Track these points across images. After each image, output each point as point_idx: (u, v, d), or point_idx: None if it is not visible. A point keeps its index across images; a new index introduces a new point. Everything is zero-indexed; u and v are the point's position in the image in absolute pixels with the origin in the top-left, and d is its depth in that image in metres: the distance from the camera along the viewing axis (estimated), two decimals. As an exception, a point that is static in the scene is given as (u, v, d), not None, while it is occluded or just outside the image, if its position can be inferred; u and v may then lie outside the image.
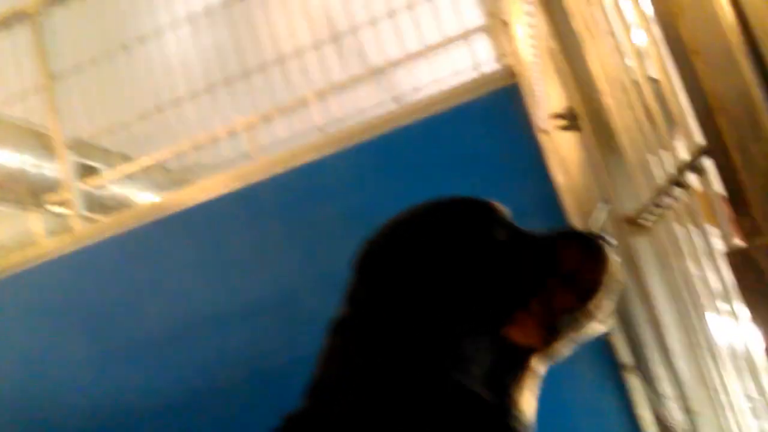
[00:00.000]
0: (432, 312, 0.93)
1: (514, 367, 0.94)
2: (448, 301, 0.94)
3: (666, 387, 1.30)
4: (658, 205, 0.84)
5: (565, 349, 0.97)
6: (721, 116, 0.43)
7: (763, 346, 0.48)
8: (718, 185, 0.64)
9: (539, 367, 0.98)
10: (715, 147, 0.46)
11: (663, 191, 0.78)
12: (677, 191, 0.75)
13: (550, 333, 0.94)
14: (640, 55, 0.74)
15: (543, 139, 2.14)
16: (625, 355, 1.93)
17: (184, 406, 2.17)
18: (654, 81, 0.72)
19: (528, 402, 0.95)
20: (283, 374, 2.10)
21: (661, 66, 0.66)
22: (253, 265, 2.21)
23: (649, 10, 0.67)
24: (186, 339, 2.22)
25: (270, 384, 2.10)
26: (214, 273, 2.24)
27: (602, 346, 1.97)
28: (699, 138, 0.59)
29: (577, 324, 0.94)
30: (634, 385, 1.89)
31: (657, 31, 0.65)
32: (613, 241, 0.97)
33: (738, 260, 0.41)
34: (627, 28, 0.79)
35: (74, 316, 2.36)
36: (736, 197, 0.44)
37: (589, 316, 0.94)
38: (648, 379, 1.56)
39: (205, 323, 2.21)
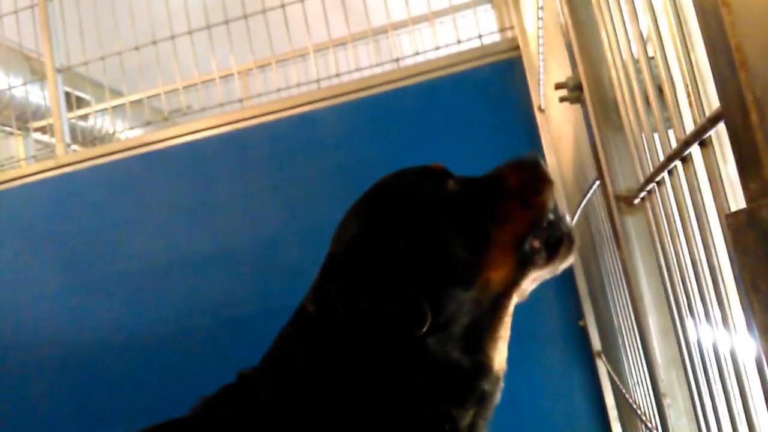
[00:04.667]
0: (404, 282, 0.91)
1: (489, 318, 0.95)
2: (418, 267, 0.93)
3: (635, 372, 1.30)
4: (656, 183, 0.82)
5: (538, 274, 1.01)
6: (743, 71, 0.41)
7: (753, 331, 0.47)
8: (721, 156, 0.63)
9: (511, 308, 1.00)
10: (732, 107, 0.44)
11: (663, 167, 0.76)
12: (677, 166, 0.73)
13: (522, 258, 0.98)
14: (654, 16, 0.71)
15: (539, 117, 2.11)
16: (596, 341, 1.94)
17: (152, 345, 2.16)
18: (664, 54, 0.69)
19: (501, 352, 0.97)
20: (253, 325, 2.09)
21: (676, 32, 0.63)
22: (236, 211, 2.18)
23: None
24: (161, 278, 2.19)
25: (239, 333, 2.09)
26: (196, 214, 2.21)
27: (574, 331, 1.97)
28: (709, 110, 0.57)
29: (544, 236, 1.01)
30: (603, 370, 1.89)
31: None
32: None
33: (742, 221, 0.39)
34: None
35: (50, 243, 2.33)
36: (748, 159, 0.42)
37: (547, 221, 1.01)
38: (615, 364, 1.56)
39: (182, 264, 2.18)
